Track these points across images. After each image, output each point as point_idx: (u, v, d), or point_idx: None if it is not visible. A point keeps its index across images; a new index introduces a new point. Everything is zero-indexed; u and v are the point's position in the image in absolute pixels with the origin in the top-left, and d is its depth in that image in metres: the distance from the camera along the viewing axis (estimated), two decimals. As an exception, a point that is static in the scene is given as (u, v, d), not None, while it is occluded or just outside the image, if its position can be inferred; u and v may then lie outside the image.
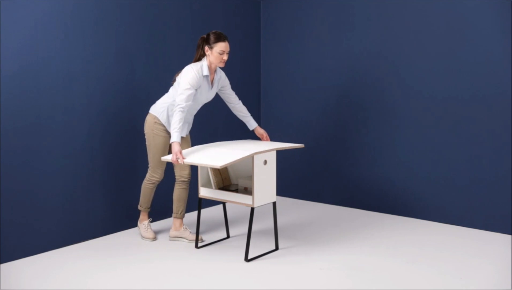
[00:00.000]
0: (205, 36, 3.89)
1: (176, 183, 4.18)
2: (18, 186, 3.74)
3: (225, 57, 3.84)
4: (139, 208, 4.26)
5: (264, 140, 4.19)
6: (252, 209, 3.72)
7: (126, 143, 4.40)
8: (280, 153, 5.45)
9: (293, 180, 5.43)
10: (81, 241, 4.13)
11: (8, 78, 3.64)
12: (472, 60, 4.31)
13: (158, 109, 4.02)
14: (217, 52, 3.81)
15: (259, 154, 3.68)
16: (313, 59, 5.20)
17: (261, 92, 5.58)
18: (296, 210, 5.04)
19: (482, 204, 4.36)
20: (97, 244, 4.10)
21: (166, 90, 4.66)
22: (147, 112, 4.47)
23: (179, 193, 4.17)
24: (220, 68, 4.26)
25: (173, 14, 4.69)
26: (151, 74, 4.55)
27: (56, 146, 3.93)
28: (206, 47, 3.85)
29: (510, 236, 4.22)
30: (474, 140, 4.35)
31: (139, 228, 4.30)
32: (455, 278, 3.42)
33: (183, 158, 3.66)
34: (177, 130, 3.71)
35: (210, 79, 3.95)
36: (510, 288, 3.26)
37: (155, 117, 4.02)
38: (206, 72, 3.86)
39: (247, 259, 3.73)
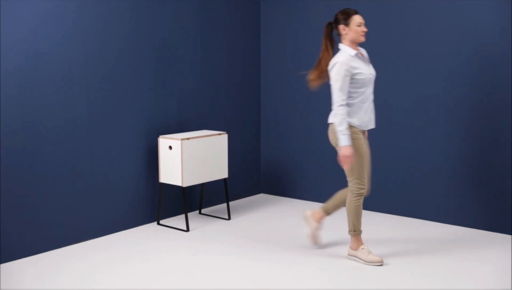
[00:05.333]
0: (332, 21, 3.72)
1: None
2: (18, 186, 3.74)
3: (365, 28, 3.63)
4: (353, 233, 3.70)
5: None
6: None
7: (128, 143, 4.40)
8: (281, 152, 5.45)
9: (293, 180, 5.43)
10: (81, 241, 4.13)
11: (8, 78, 3.64)
12: (472, 60, 4.31)
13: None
14: (355, 25, 3.60)
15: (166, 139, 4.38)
16: (313, 59, 5.20)
17: (261, 92, 5.58)
18: (296, 209, 5.04)
19: (482, 204, 4.36)
20: (97, 244, 4.10)
21: (163, 94, 4.67)
22: (152, 113, 4.47)
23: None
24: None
25: (172, 14, 4.69)
26: (151, 75, 4.55)
27: (56, 145, 3.93)
28: (342, 26, 3.64)
29: (510, 236, 4.22)
30: (474, 141, 4.35)
31: (354, 256, 3.73)
32: (455, 278, 3.43)
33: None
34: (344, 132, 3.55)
35: (360, 55, 3.66)
36: (510, 288, 3.26)
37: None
38: (353, 52, 3.61)
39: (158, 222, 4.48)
